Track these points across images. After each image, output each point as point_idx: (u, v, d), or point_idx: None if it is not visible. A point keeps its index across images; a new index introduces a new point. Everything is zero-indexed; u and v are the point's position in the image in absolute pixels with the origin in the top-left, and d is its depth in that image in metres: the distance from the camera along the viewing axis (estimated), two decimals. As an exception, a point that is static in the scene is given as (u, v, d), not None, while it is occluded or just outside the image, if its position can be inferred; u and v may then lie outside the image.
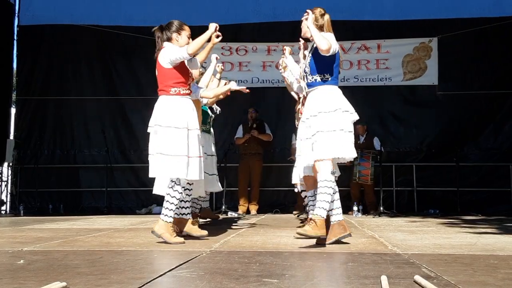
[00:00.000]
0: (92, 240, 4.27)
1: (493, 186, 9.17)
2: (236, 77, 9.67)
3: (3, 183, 9.40)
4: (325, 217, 3.76)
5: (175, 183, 4.01)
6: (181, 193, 4.11)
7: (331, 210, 3.85)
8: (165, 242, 3.90)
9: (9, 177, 9.39)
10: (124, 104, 9.79)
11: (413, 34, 9.52)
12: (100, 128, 9.47)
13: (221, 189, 6.38)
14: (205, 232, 4.39)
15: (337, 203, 3.92)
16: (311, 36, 3.92)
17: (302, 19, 4.04)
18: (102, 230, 5.24)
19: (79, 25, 9.72)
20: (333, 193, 3.85)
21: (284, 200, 9.23)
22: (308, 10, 3.99)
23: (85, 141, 9.88)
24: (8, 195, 9.17)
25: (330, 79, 3.92)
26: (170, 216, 4.00)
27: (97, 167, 9.63)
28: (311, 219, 3.79)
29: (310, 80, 3.98)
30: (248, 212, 8.65)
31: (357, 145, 8.52)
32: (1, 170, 9.52)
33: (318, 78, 3.93)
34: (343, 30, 9.22)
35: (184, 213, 4.49)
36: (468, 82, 9.45)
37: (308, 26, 3.91)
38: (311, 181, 4.18)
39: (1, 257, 3.27)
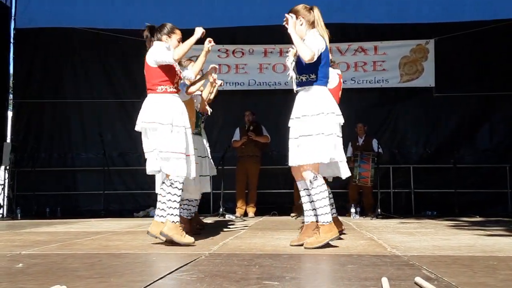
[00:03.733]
0: (91, 243, 4.25)
1: (491, 187, 9.18)
2: (233, 80, 9.71)
3: (0, 186, 9.36)
4: (330, 221, 3.75)
5: (178, 182, 3.98)
6: (181, 189, 4.02)
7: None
8: (175, 244, 3.84)
9: (6, 181, 9.34)
10: (122, 107, 9.77)
11: (410, 36, 9.54)
12: (97, 130, 9.44)
13: (209, 190, 5.85)
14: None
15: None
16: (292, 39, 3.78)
17: (283, 24, 3.85)
18: (100, 233, 5.22)
19: (76, 28, 9.71)
20: (327, 193, 3.81)
21: (282, 202, 9.21)
22: (287, 15, 3.83)
23: (82, 144, 9.86)
24: (5, 199, 9.12)
25: (316, 79, 3.82)
26: (176, 215, 3.96)
27: (94, 170, 9.60)
28: (316, 226, 3.80)
29: (298, 80, 3.91)
30: (245, 214, 8.63)
31: (356, 147, 8.59)
32: (-2, 174, 9.50)
33: (304, 79, 3.86)
34: (340, 33, 9.26)
35: (159, 215, 4.24)
36: (464, 84, 9.45)
37: (290, 33, 3.79)
38: (295, 171, 4.02)
39: (-1, 260, 3.26)
